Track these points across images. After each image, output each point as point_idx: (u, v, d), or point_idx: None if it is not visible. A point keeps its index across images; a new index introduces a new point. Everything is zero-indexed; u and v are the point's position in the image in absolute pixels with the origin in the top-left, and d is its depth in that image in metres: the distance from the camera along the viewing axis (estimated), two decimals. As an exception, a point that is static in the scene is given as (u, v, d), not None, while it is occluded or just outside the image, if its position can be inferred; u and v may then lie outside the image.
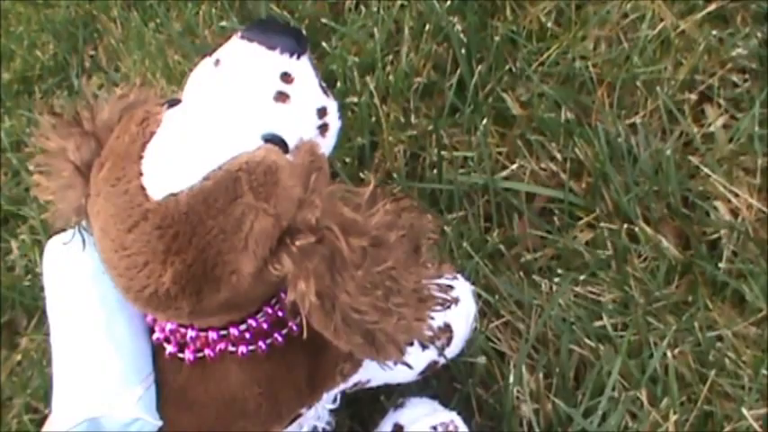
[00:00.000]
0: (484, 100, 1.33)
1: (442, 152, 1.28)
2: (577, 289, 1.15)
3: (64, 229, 0.86)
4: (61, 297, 0.87)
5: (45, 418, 1.22)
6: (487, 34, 1.39)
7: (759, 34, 1.29)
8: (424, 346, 0.79)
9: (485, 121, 1.29)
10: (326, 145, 0.80)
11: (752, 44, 1.29)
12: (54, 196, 0.81)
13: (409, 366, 0.80)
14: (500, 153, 1.30)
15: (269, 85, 0.76)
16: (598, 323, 1.12)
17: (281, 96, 0.76)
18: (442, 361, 1.02)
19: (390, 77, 1.36)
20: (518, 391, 1.09)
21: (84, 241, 0.83)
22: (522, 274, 1.19)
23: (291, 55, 0.77)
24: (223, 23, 1.56)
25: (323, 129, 0.80)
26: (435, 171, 1.27)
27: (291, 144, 0.75)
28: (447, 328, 0.99)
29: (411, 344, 0.76)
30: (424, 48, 1.38)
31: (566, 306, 1.13)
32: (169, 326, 0.82)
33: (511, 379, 1.08)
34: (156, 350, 0.85)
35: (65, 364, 0.83)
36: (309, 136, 0.77)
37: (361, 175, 1.29)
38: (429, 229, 0.77)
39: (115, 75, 1.65)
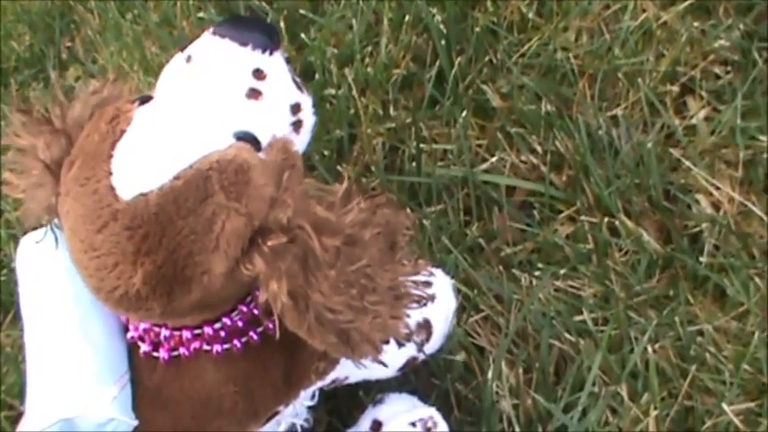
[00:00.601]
0: (464, 92, 1.32)
1: (422, 145, 1.27)
2: (558, 283, 1.15)
3: (37, 227, 0.85)
4: (35, 295, 0.86)
5: (20, 415, 1.21)
6: (468, 25, 1.38)
7: (741, 26, 1.28)
8: (400, 344, 0.79)
9: (464, 113, 1.28)
10: (301, 141, 0.79)
11: (734, 36, 1.28)
12: (24, 195, 0.80)
13: (384, 365, 0.80)
14: (480, 146, 1.29)
15: (241, 81, 0.75)
16: (578, 318, 1.11)
17: (254, 93, 0.75)
18: (421, 357, 1.01)
19: (369, 69, 1.35)
20: (498, 387, 1.08)
21: (56, 239, 0.82)
22: (501, 268, 1.18)
23: (264, 51, 0.76)
24: (201, 14, 1.54)
25: (297, 125, 0.79)
26: (414, 164, 1.26)
27: (264, 142, 0.74)
28: (426, 324, 0.98)
29: (387, 342, 0.75)
30: (404, 39, 1.37)
31: (546, 300, 1.13)
32: (143, 325, 0.82)
33: (490, 374, 1.07)
34: (131, 349, 0.84)
35: (39, 364, 0.82)
36: (283, 133, 0.76)
37: (339, 168, 1.27)
38: (405, 226, 0.77)
39: (92, 66, 1.63)
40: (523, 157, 1.26)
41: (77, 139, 0.75)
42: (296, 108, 0.78)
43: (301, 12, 1.45)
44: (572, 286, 1.14)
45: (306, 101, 0.80)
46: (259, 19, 0.80)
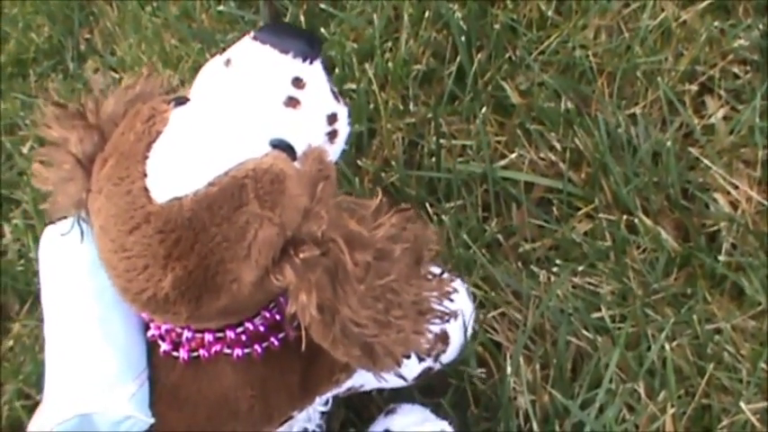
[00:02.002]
0: (483, 88, 1.32)
1: (441, 140, 1.27)
2: (575, 280, 1.15)
3: (60, 218, 0.85)
4: (57, 289, 0.86)
5: (37, 404, 1.22)
6: (487, 22, 1.38)
7: (760, 26, 1.28)
8: (421, 359, 0.79)
9: (484, 109, 1.28)
10: (335, 151, 0.80)
11: (753, 36, 1.28)
12: (53, 188, 0.80)
13: (404, 378, 0.80)
14: (499, 142, 1.29)
15: (280, 89, 0.75)
16: (596, 315, 1.11)
17: (292, 102, 0.75)
18: (437, 367, 1.01)
19: (389, 64, 1.35)
20: (515, 383, 1.08)
21: (82, 233, 0.82)
22: (519, 264, 1.18)
23: (304, 59, 0.76)
24: (220, 8, 1.55)
25: (332, 135, 0.79)
26: (434, 159, 1.26)
27: (299, 150, 0.74)
28: (444, 336, 0.98)
29: (408, 356, 0.76)
30: (424, 35, 1.37)
31: (563, 297, 1.13)
32: (165, 325, 0.82)
33: (508, 370, 1.08)
34: (151, 347, 0.84)
35: (58, 358, 0.83)
36: (318, 142, 0.76)
37: (359, 162, 1.28)
38: (432, 241, 0.77)
39: (111, 58, 1.64)
40: (542, 154, 1.26)
41: (110, 136, 0.75)
42: (332, 118, 0.79)
43: (321, 6, 1.45)
44: (590, 283, 1.14)
45: (342, 111, 0.80)
46: (300, 27, 0.79)
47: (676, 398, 1.03)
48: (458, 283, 1.01)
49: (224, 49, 0.79)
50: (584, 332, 1.10)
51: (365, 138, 1.31)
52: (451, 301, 0.78)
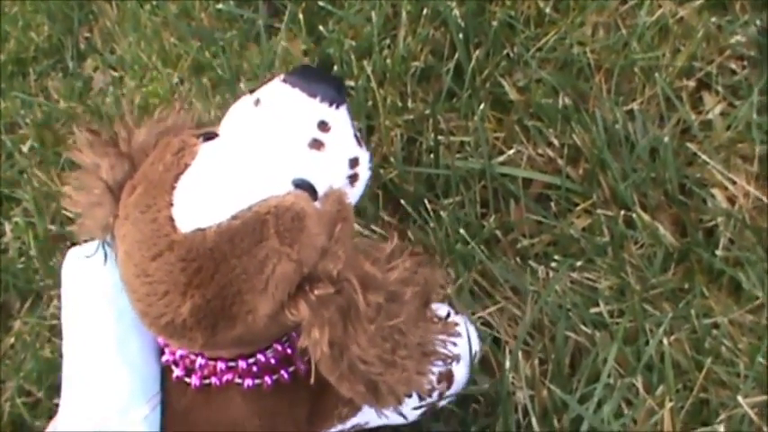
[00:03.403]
0: (481, 85, 1.33)
1: (439, 137, 1.27)
2: (574, 275, 1.15)
3: (86, 241, 0.87)
4: (78, 309, 0.88)
5: (38, 401, 1.23)
6: (485, 19, 1.38)
7: (758, 21, 1.28)
8: (422, 398, 0.80)
9: (482, 106, 1.28)
10: (354, 194, 0.81)
11: (750, 31, 1.28)
12: (82, 211, 0.82)
13: (405, 417, 0.82)
14: (497, 138, 1.29)
15: (306, 131, 0.77)
16: (594, 310, 1.12)
17: (317, 144, 0.76)
18: (440, 404, 1.02)
19: (387, 61, 1.35)
20: (514, 378, 1.09)
21: (106, 256, 0.84)
22: (518, 259, 1.18)
23: (331, 104, 0.78)
24: (220, 6, 1.55)
25: (353, 179, 0.80)
26: (432, 156, 1.27)
27: (321, 191, 0.75)
28: (448, 374, 0.99)
29: (410, 396, 0.78)
30: (422, 32, 1.37)
31: (562, 292, 1.13)
32: (179, 351, 0.83)
33: (506, 365, 1.08)
34: (164, 371, 0.85)
35: (75, 376, 0.84)
36: (339, 185, 0.78)
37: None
38: (440, 284, 0.79)
39: (110, 57, 1.64)
40: (540, 150, 1.26)
41: (140, 165, 0.77)
42: (354, 162, 0.80)
43: (320, 4, 1.45)
44: (588, 278, 1.15)
45: (364, 156, 0.81)
46: (328, 72, 0.81)
47: (674, 392, 1.04)
48: (464, 324, 1.02)
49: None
50: (583, 327, 1.10)
51: (364, 134, 1.31)
52: (455, 345, 0.81)
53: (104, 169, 0.79)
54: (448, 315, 0.82)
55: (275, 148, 0.75)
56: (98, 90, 1.60)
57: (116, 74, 1.61)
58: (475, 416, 1.08)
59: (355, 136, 0.81)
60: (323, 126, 0.77)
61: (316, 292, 0.71)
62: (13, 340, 1.31)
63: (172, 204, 0.71)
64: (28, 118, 1.58)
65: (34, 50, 1.72)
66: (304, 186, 0.74)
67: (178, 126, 0.82)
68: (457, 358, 0.81)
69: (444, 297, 0.81)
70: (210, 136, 0.76)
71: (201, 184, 0.72)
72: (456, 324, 0.82)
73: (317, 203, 0.74)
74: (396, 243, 0.78)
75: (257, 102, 0.78)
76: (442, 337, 0.79)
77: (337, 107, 0.78)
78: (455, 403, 1.07)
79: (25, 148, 1.55)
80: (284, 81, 0.79)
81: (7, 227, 1.45)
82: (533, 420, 1.05)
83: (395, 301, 0.74)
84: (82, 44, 1.70)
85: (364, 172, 0.82)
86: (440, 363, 0.79)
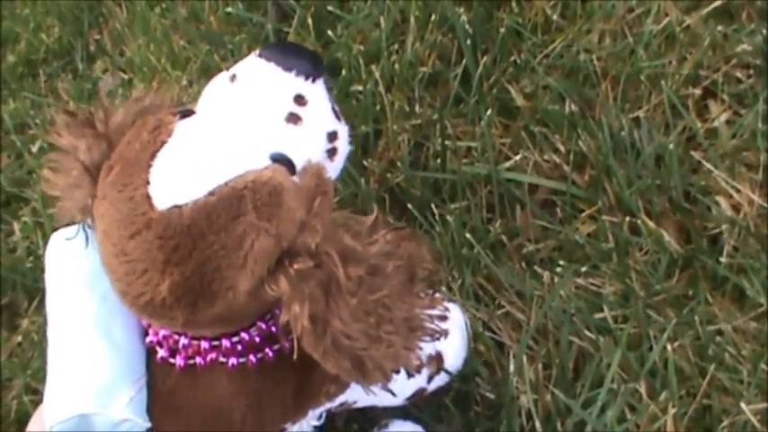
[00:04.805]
0: (488, 91, 1.33)
1: (446, 142, 1.28)
2: (578, 281, 1.16)
3: (69, 224, 0.86)
4: (62, 292, 0.88)
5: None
6: (493, 26, 1.39)
7: (764, 30, 1.29)
8: (410, 375, 0.80)
9: (489, 111, 1.29)
10: (334, 168, 0.81)
11: (757, 40, 1.29)
12: (61, 193, 0.81)
13: (393, 393, 0.81)
14: (503, 144, 1.30)
15: (282, 105, 0.77)
16: (598, 315, 1.12)
17: (293, 118, 0.77)
18: (430, 388, 1.02)
19: (395, 66, 1.36)
20: (517, 382, 1.09)
21: (87, 239, 0.84)
22: (523, 264, 1.19)
23: (307, 78, 0.78)
24: (229, 9, 1.56)
25: (331, 153, 0.80)
26: (439, 160, 1.28)
27: (299, 166, 0.75)
28: (437, 357, 0.99)
29: (398, 372, 0.77)
30: (430, 38, 1.38)
31: (566, 298, 1.14)
32: (163, 331, 0.83)
33: (511, 369, 1.09)
34: (148, 353, 0.85)
35: (60, 360, 0.84)
36: (318, 159, 0.78)
37: (365, 163, 1.29)
38: (426, 260, 0.78)
39: (120, 59, 1.65)
40: (546, 157, 1.27)
41: (118, 145, 0.77)
42: (332, 136, 0.80)
43: (329, 8, 1.46)
44: (592, 284, 1.15)
45: (342, 129, 0.81)
46: (304, 47, 0.81)
47: (677, 398, 1.04)
48: (456, 311, 1.03)
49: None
50: (587, 332, 1.11)
51: (371, 139, 1.32)
52: (444, 320, 0.80)
53: (82, 150, 0.78)
54: (434, 292, 0.81)
55: (252, 123, 0.75)
56: (106, 93, 1.60)
57: (125, 76, 1.62)
58: (478, 419, 1.08)
59: (333, 109, 0.81)
60: (299, 100, 0.77)
61: (295, 266, 0.71)
62: (20, 338, 1.32)
63: (149, 182, 0.71)
64: (38, 118, 1.59)
65: (44, 52, 1.74)
66: (282, 161, 0.73)
67: (156, 106, 0.82)
68: (445, 333, 0.79)
69: (431, 273, 0.80)
70: (187, 113, 0.76)
71: (178, 160, 0.72)
72: (443, 298, 0.81)
73: (295, 178, 0.74)
74: (377, 215, 0.77)
75: (233, 77, 0.78)
76: (429, 311, 0.78)
77: (313, 81, 0.78)
78: (457, 406, 1.07)
79: (34, 149, 1.56)
80: (260, 56, 0.78)
81: (16, 226, 1.46)
82: (537, 424, 1.06)
83: (377, 274, 0.73)
84: (92, 46, 1.72)
85: (343, 146, 0.81)
86: (427, 338, 0.78)
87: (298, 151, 0.75)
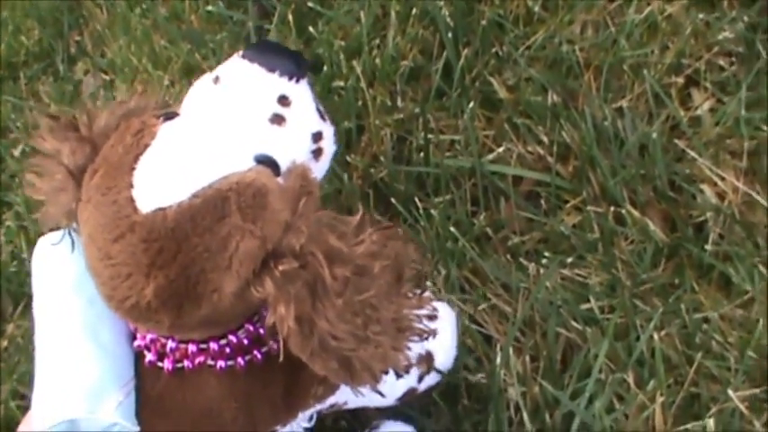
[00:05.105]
0: (471, 84, 1.33)
1: (429, 136, 1.28)
2: (564, 272, 1.16)
3: (55, 229, 0.86)
4: (49, 296, 0.87)
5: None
6: (474, 18, 1.39)
7: (745, 18, 1.29)
8: (399, 375, 0.80)
9: (471, 104, 1.29)
10: (319, 169, 0.81)
11: (738, 28, 1.29)
12: (45, 197, 0.81)
13: (382, 395, 0.81)
14: (487, 136, 1.30)
15: (266, 106, 0.76)
16: (585, 306, 1.12)
17: (277, 119, 0.76)
18: (421, 388, 1.02)
19: (377, 61, 1.36)
20: (505, 374, 1.09)
21: (73, 243, 0.84)
22: (508, 257, 1.19)
23: (290, 78, 0.77)
24: (209, 8, 1.55)
25: (317, 153, 0.80)
26: (422, 154, 1.27)
27: (284, 167, 0.75)
28: (427, 357, 0.99)
29: (387, 372, 0.77)
30: (411, 32, 1.38)
31: (552, 289, 1.14)
32: (150, 335, 0.82)
33: (498, 362, 1.08)
34: (137, 357, 0.85)
35: (48, 365, 0.83)
36: (302, 160, 0.77)
37: (348, 158, 1.29)
38: (413, 259, 0.78)
39: (101, 60, 1.64)
40: (530, 148, 1.27)
41: (102, 148, 0.76)
42: (317, 136, 0.79)
43: (309, 5, 1.46)
44: (578, 275, 1.15)
45: (327, 130, 0.81)
46: (287, 47, 0.81)
47: (665, 387, 1.04)
48: (445, 310, 1.03)
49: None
50: (574, 323, 1.11)
51: (354, 134, 1.32)
52: (432, 319, 0.79)
53: (65, 154, 0.78)
54: (423, 292, 0.80)
55: (235, 125, 0.74)
56: (89, 94, 1.60)
57: (107, 77, 1.61)
58: (466, 412, 1.08)
59: (318, 110, 0.80)
60: (283, 101, 0.76)
61: (280, 267, 0.70)
62: (6, 343, 1.32)
63: (132, 185, 0.71)
64: (19, 122, 1.59)
65: (25, 54, 1.73)
66: (266, 162, 0.73)
67: (140, 108, 0.81)
68: (433, 333, 0.79)
69: (418, 273, 0.79)
70: (171, 116, 0.76)
71: (161, 163, 0.71)
72: (431, 298, 0.81)
73: (279, 179, 0.74)
74: (363, 215, 0.76)
75: (216, 79, 0.78)
76: (417, 311, 0.78)
77: (297, 81, 0.78)
78: (445, 400, 1.07)
79: (17, 153, 1.55)
80: (243, 57, 0.78)
81: (-1, 231, 1.45)
82: (525, 416, 1.06)
83: (363, 274, 0.73)
84: (72, 48, 1.71)
85: (329, 146, 0.81)
86: (416, 338, 0.78)
87: (282, 152, 0.75)
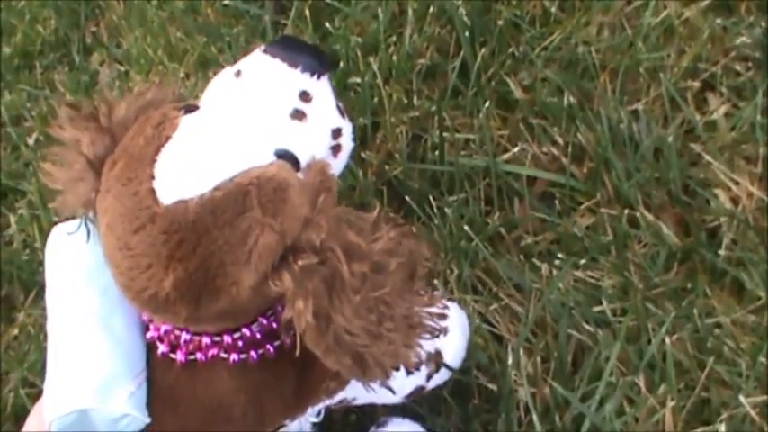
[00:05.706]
0: (486, 83, 1.33)
1: (444, 134, 1.28)
2: (577, 273, 1.15)
3: (71, 218, 0.86)
4: (62, 286, 0.87)
5: (41, 392, 1.23)
6: (491, 18, 1.39)
7: (763, 23, 1.29)
8: (409, 372, 0.80)
9: (487, 104, 1.29)
10: (338, 165, 0.81)
11: (755, 33, 1.28)
12: (63, 187, 0.81)
13: (392, 391, 0.81)
14: (502, 136, 1.30)
15: (287, 102, 0.77)
16: (597, 308, 1.12)
17: (298, 114, 0.77)
18: (429, 386, 1.02)
19: (393, 59, 1.36)
20: (516, 375, 1.09)
21: (88, 233, 0.84)
22: (521, 257, 1.19)
23: (312, 74, 0.78)
24: (226, 2, 1.55)
25: (336, 149, 0.80)
26: (437, 153, 1.27)
27: (303, 162, 0.75)
28: (437, 355, 0.99)
29: (397, 369, 0.77)
30: (428, 30, 1.38)
31: (565, 290, 1.14)
32: (164, 326, 0.83)
33: (509, 362, 1.08)
34: (149, 348, 0.85)
35: (60, 353, 0.83)
36: (322, 155, 0.78)
37: (363, 155, 1.29)
38: (425, 257, 0.78)
39: (117, 51, 1.65)
40: (545, 149, 1.27)
41: (121, 139, 0.77)
42: (337, 133, 0.80)
43: (326, 1, 1.46)
44: (591, 277, 1.15)
45: (346, 127, 0.81)
46: (310, 43, 0.81)
47: (676, 391, 1.04)
48: (456, 310, 1.02)
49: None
50: (585, 325, 1.11)
51: (369, 131, 1.32)
52: (443, 317, 0.79)
53: (85, 144, 0.78)
54: (434, 290, 0.81)
55: (257, 119, 0.75)
56: (104, 85, 1.60)
57: (122, 68, 1.61)
58: (476, 412, 1.08)
59: (338, 107, 0.81)
60: (304, 96, 0.77)
61: (299, 262, 0.71)
62: (17, 332, 1.32)
63: (153, 177, 0.71)
64: (34, 111, 1.59)
65: (41, 44, 1.73)
66: (286, 157, 0.73)
67: (159, 100, 0.82)
68: (444, 331, 0.79)
69: (430, 271, 0.79)
70: (191, 108, 0.76)
71: (182, 155, 0.72)
72: (442, 297, 0.81)
73: (299, 174, 0.74)
74: (379, 212, 0.77)
75: (238, 73, 0.78)
76: (428, 309, 0.78)
77: (319, 77, 0.78)
78: (456, 399, 1.07)
79: (31, 141, 1.55)
80: (265, 52, 0.78)
81: (12, 219, 1.46)
82: (535, 417, 1.05)
83: (380, 271, 0.73)
84: (88, 38, 1.71)
85: (347, 143, 0.82)
86: (427, 336, 0.78)
87: (302, 148, 0.75)
